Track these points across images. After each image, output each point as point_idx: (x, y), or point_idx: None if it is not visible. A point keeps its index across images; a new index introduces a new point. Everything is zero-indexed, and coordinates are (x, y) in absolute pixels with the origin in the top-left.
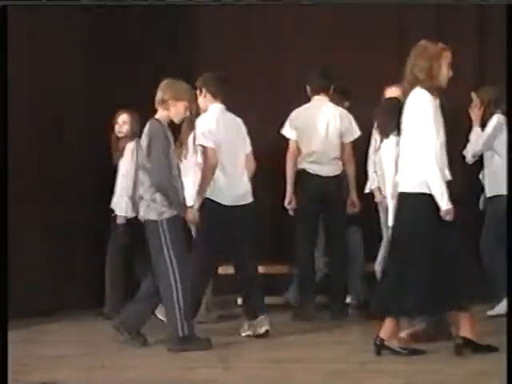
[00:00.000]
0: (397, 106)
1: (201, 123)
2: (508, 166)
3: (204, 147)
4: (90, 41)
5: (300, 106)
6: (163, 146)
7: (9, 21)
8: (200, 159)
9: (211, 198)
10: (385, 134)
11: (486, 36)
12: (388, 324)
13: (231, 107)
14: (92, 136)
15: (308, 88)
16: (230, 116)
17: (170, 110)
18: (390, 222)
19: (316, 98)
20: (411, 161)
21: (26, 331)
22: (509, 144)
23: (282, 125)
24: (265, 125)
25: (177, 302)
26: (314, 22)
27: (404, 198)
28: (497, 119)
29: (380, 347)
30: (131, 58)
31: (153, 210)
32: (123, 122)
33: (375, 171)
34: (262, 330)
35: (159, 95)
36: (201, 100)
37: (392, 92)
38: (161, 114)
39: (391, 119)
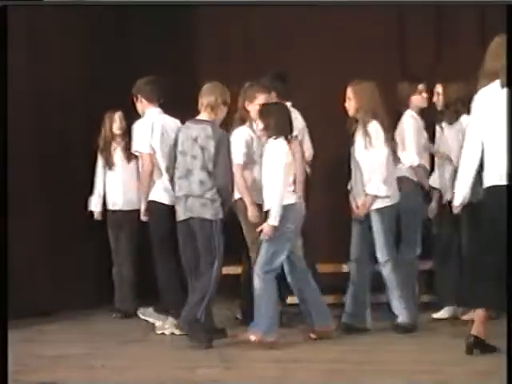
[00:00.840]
0: (287, 110)
1: (137, 128)
2: (508, 165)
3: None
4: (90, 40)
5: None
6: (229, 151)
7: (9, 21)
8: None
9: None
10: (272, 136)
11: (486, 36)
12: (478, 321)
13: None
14: (92, 135)
15: (274, 94)
16: (168, 118)
17: (218, 114)
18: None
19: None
20: (499, 153)
21: (25, 331)
22: (509, 143)
23: None
24: None
25: (209, 293)
26: (314, 22)
27: (493, 192)
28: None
29: (473, 345)
30: (131, 58)
31: (209, 209)
32: (120, 120)
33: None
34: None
35: (211, 98)
36: (138, 106)
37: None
38: (208, 116)
39: (284, 122)
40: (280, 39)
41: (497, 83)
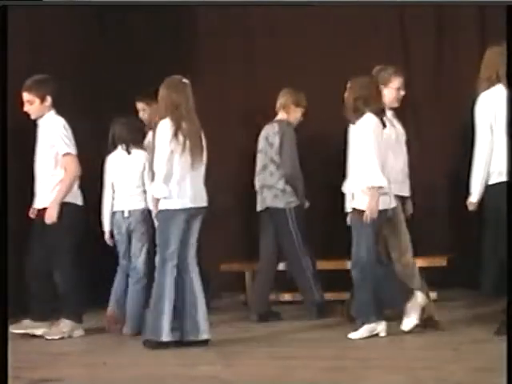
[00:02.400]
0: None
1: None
2: (508, 163)
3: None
4: (90, 40)
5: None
6: (294, 143)
7: (9, 21)
8: None
9: None
10: (129, 150)
11: (485, 36)
12: None
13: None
14: (92, 136)
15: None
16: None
17: (290, 113)
18: None
19: None
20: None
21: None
22: (508, 143)
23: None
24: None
25: (308, 270)
26: (315, 22)
27: (499, 188)
28: (374, 121)
29: None
30: (131, 58)
31: (281, 199)
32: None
33: None
34: None
35: (283, 100)
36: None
37: None
38: (281, 116)
39: (135, 135)
40: (280, 39)
41: (498, 87)
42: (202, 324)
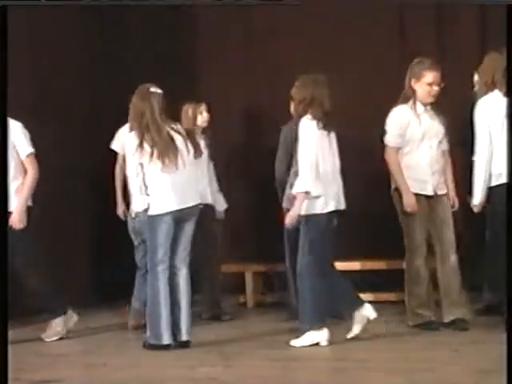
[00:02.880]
0: None
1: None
2: (508, 164)
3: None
4: (90, 41)
5: None
6: None
7: (9, 21)
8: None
9: None
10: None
11: (485, 36)
12: None
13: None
14: (92, 136)
15: None
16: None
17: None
18: None
19: None
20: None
21: (26, 329)
22: (508, 144)
23: (281, 124)
24: (265, 125)
25: None
26: (315, 22)
27: (499, 190)
28: (308, 125)
29: None
30: (131, 58)
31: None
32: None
33: None
34: None
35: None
36: None
37: None
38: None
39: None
40: (280, 39)
41: (495, 92)
42: (184, 326)
